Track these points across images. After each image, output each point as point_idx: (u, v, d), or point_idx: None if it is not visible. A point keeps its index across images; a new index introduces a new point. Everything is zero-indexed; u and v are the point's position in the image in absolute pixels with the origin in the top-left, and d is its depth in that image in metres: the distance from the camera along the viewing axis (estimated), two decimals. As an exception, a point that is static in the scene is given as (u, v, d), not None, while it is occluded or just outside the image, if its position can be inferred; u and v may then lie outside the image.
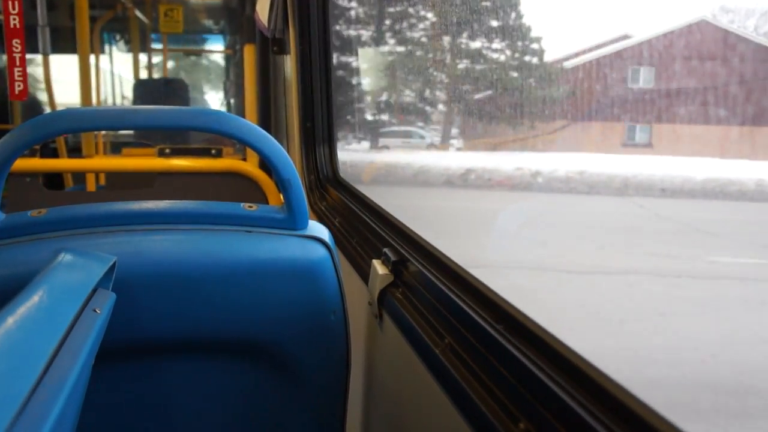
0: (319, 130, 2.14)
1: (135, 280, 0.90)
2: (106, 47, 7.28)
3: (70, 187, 3.79)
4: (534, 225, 4.05)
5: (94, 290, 0.75)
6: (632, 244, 4.03)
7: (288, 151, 1.00)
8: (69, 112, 0.90)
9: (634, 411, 0.53)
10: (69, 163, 3.09)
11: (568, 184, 4.00)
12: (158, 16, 5.02)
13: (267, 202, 2.41)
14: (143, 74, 6.19)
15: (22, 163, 2.53)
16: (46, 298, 0.60)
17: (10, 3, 2.54)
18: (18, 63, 2.58)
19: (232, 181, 2.52)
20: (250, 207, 1.01)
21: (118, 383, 0.98)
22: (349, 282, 1.14)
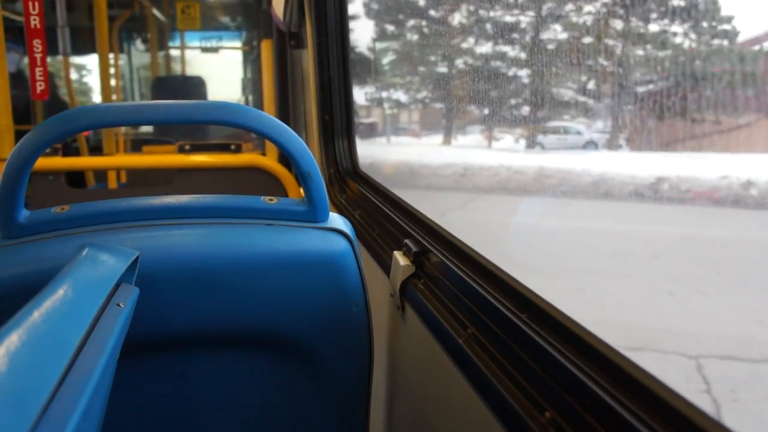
0: (338, 123, 2.14)
1: (158, 275, 0.91)
2: (125, 46, 7.33)
3: (92, 185, 3.83)
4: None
5: (118, 285, 0.76)
6: None
7: (307, 145, 1.00)
8: (88, 109, 0.91)
9: (661, 398, 0.52)
10: (90, 161, 3.13)
11: (794, 198, 3.14)
12: (176, 13, 5.05)
13: (287, 196, 2.41)
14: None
15: (44, 162, 2.56)
16: (71, 292, 0.60)
17: (30, 4, 2.57)
18: (39, 63, 2.61)
19: (252, 176, 2.54)
20: (271, 200, 1.01)
21: (142, 377, 0.98)
22: (370, 274, 1.13)
